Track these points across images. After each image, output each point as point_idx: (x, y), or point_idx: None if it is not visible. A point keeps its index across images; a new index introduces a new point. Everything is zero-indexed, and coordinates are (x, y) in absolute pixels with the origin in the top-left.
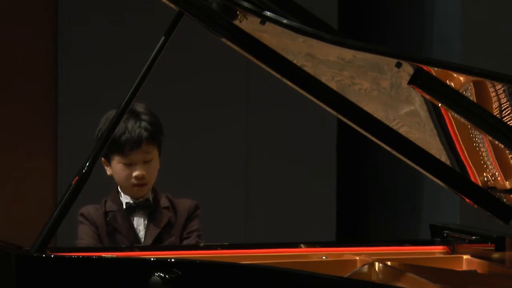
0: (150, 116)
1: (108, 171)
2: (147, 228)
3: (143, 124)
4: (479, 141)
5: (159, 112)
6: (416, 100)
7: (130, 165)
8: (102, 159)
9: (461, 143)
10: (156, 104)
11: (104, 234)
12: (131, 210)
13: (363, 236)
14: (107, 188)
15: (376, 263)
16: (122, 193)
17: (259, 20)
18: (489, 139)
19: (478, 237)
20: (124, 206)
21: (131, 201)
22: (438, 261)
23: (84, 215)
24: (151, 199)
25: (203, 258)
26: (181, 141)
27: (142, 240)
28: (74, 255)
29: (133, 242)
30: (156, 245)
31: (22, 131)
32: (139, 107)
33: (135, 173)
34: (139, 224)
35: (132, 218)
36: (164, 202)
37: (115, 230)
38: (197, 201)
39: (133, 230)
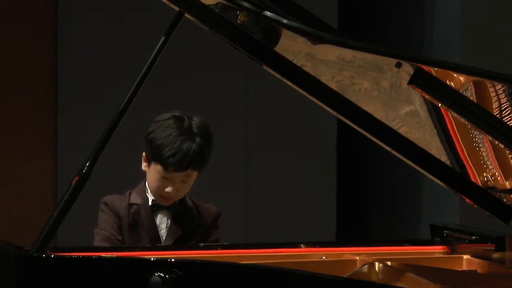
0: (204, 140)
1: (144, 167)
2: (169, 228)
3: (196, 148)
4: (479, 141)
5: (159, 112)
6: (416, 100)
7: (167, 179)
8: (144, 154)
9: (461, 143)
10: (156, 104)
11: (125, 225)
12: (156, 207)
13: (363, 236)
14: (110, 186)
15: (376, 263)
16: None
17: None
18: (489, 139)
19: (478, 237)
20: (150, 202)
21: None
22: (438, 261)
23: (107, 203)
24: (177, 200)
25: (203, 258)
26: None
27: (163, 239)
28: (74, 255)
29: (154, 239)
30: (155, 245)
31: (22, 131)
32: (196, 124)
33: (168, 189)
34: (162, 222)
35: (155, 215)
36: (189, 204)
37: (137, 224)
38: (219, 209)
39: (154, 228)
